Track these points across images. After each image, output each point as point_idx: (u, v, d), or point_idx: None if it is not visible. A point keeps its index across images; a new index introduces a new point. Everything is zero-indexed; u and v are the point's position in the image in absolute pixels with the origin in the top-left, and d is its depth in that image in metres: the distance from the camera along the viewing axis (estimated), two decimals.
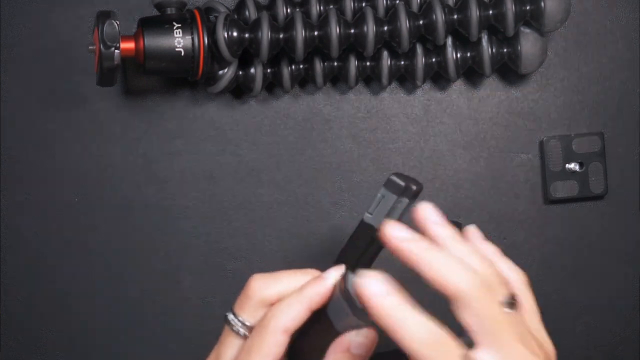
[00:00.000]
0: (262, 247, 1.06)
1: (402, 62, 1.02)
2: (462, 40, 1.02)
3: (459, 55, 1.02)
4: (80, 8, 1.04)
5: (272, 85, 1.06)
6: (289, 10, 1.01)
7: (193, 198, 1.06)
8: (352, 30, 0.98)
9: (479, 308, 0.71)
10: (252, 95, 1.03)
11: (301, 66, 1.02)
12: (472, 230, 0.83)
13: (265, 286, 0.81)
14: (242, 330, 0.81)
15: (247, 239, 1.06)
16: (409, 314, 0.71)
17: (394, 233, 0.74)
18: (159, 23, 0.96)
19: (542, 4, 0.98)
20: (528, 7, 0.99)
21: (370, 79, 1.06)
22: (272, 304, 0.80)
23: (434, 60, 1.02)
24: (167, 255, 1.06)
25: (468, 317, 0.71)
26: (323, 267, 1.07)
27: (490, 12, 0.99)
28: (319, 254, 1.06)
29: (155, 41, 0.96)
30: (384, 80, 1.02)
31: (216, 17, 0.98)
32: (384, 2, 1.00)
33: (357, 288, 0.72)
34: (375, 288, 0.72)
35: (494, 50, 1.01)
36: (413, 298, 0.73)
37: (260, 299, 0.80)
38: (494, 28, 1.02)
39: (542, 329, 0.81)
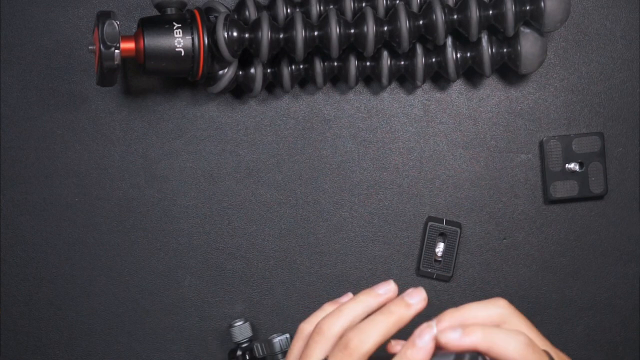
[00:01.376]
0: (262, 247, 1.06)
1: (402, 62, 1.02)
2: (462, 40, 1.02)
3: (459, 55, 1.02)
4: (80, 8, 1.04)
5: (272, 85, 1.06)
6: (289, 10, 1.01)
7: (193, 198, 1.06)
8: (352, 30, 0.98)
9: None
10: (252, 95, 1.03)
11: (301, 66, 1.02)
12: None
13: (365, 340, 0.77)
14: None
15: (247, 239, 1.06)
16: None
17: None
18: (159, 23, 0.96)
19: (542, 4, 0.98)
20: (528, 7, 0.99)
21: (370, 79, 1.06)
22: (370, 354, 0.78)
23: (434, 60, 1.02)
24: (167, 255, 1.06)
25: None
26: (323, 267, 1.07)
27: (490, 12, 0.99)
28: (319, 254, 1.06)
29: (155, 41, 0.96)
30: (384, 80, 1.02)
31: (216, 17, 0.98)
32: (384, 2, 1.00)
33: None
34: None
35: (494, 50, 1.01)
36: None
37: (365, 355, 0.78)
38: (494, 28, 1.02)
39: None
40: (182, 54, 0.96)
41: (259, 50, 0.97)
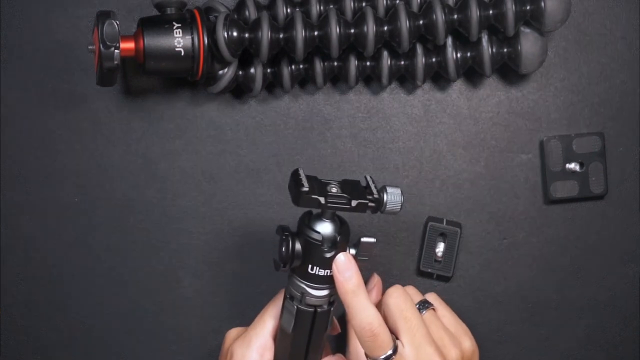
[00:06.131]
0: (262, 247, 1.06)
1: (402, 62, 1.02)
2: (462, 40, 1.02)
3: (459, 55, 1.02)
4: (80, 8, 1.04)
5: (272, 85, 1.06)
6: (289, 10, 1.01)
7: (193, 198, 1.06)
8: (352, 30, 0.98)
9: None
10: (252, 95, 1.03)
11: (301, 66, 1.02)
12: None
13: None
14: None
15: (247, 239, 1.06)
16: (361, 300, 0.91)
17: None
18: (159, 23, 0.96)
19: (542, 4, 0.98)
20: (528, 7, 0.99)
21: (370, 79, 1.06)
22: None
23: (434, 60, 1.02)
24: (167, 255, 1.06)
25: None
26: None
27: (490, 12, 0.99)
28: None
29: (155, 41, 0.96)
30: (384, 80, 1.02)
31: (216, 17, 0.98)
32: (384, 2, 1.00)
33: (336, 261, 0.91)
34: (347, 272, 0.91)
35: (494, 50, 1.01)
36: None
37: None
38: (494, 28, 1.02)
39: (460, 326, 1.00)
40: (182, 53, 0.96)
41: (259, 50, 0.97)
